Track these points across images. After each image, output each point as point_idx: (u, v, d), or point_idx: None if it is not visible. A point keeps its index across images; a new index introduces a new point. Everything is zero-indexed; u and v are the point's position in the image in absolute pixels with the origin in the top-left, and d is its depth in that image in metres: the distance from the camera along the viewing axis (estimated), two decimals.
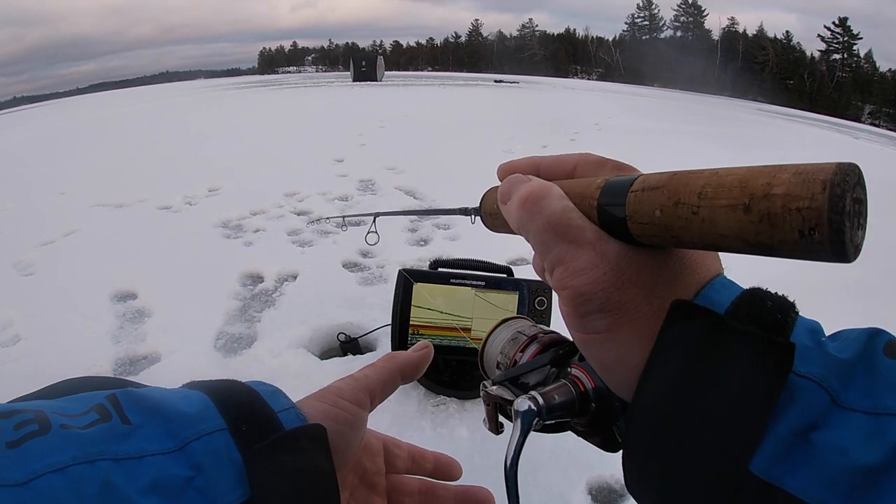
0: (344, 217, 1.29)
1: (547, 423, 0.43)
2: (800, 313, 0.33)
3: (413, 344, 1.71)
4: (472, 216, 0.56)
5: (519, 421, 0.40)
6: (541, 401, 0.41)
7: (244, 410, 0.40)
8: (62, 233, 3.55)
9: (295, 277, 2.87)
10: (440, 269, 1.81)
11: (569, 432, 0.47)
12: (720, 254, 0.38)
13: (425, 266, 1.91)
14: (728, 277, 0.38)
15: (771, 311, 0.32)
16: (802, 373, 0.30)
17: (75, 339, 2.23)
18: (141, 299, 2.60)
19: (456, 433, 1.68)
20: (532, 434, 0.42)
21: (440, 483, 0.55)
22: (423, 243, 3.44)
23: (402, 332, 1.74)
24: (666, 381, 0.33)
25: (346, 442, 0.44)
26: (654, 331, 0.34)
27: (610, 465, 1.56)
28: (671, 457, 0.32)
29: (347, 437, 0.44)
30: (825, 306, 2.75)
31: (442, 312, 1.75)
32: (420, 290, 1.73)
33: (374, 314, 2.34)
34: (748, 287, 0.35)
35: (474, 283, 1.74)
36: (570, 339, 0.43)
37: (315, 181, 4.81)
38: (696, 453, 0.31)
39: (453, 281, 1.73)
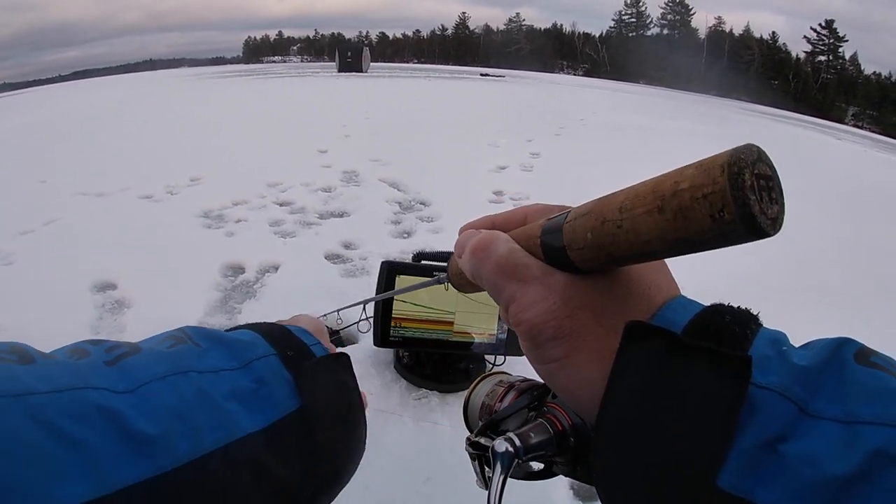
0: (339, 311, 1.29)
1: (531, 470, 0.46)
2: (763, 325, 0.34)
3: (396, 337, 1.72)
4: (445, 283, 0.58)
5: (498, 463, 0.41)
6: (517, 441, 0.42)
7: (286, 342, 0.50)
8: (42, 222, 3.51)
9: (277, 269, 2.85)
10: (423, 262, 1.80)
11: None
12: (693, 271, 0.39)
13: (408, 258, 1.90)
14: (688, 297, 0.39)
15: (729, 325, 0.33)
16: (762, 384, 0.30)
17: (54, 330, 2.20)
18: (121, 290, 2.58)
19: (438, 426, 1.68)
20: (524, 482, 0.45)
21: None
22: (406, 235, 3.44)
23: (384, 324, 1.74)
24: (626, 402, 0.33)
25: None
26: (610, 351, 0.35)
27: None
28: (638, 476, 0.32)
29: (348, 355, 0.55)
30: (803, 309, 2.78)
31: (425, 306, 1.74)
32: (403, 282, 1.72)
33: (356, 307, 2.33)
34: (709, 304, 0.36)
35: None
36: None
37: (298, 172, 4.79)
38: (663, 471, 0.31)
39: (436, 273, 1.73)
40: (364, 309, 1.28)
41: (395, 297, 1.73)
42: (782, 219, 0.27)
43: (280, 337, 0.51)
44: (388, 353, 1.95)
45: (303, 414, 0.46)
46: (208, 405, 0.40)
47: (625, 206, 0.31)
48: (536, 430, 0.43)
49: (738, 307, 0.34)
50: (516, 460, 0.41)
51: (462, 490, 1.40)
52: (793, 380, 0.30)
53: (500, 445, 0.42)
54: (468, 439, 0.49)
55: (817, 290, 3.07)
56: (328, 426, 0.48)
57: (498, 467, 0.41)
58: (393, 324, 1.74)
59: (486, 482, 0.48)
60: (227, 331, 0.50)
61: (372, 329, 1.76)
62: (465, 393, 0.58)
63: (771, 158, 0.28)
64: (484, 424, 0.50)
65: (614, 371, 0.34)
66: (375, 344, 1.77)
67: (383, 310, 1.73)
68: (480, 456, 0.48)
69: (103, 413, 0.34)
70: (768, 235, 0.26)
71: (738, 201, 0.25)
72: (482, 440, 0.47)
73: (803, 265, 3.38)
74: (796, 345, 0.35)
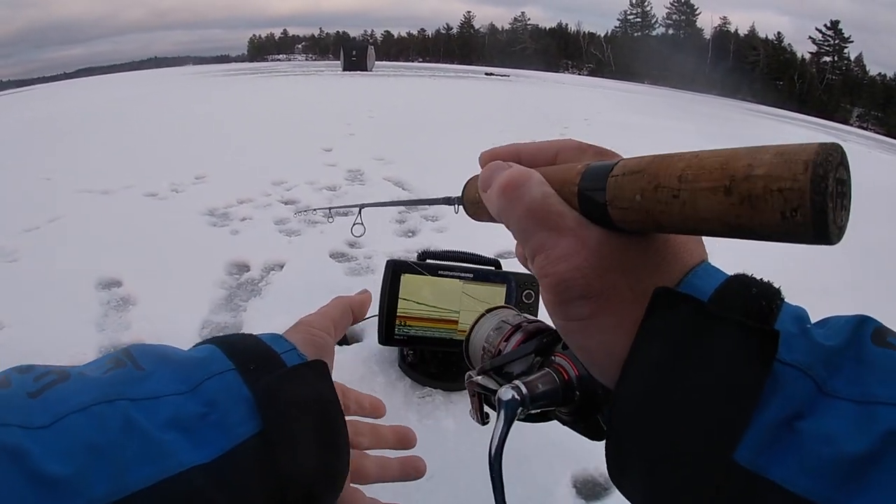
0: (330, 209, 1.29)
1: (532, 412, 0.43)
2: (785, 300, 0.33)
3: (401, 335, 1.71)
4: (456, 205, 0.56)
5: (502, 411, 0.40)
6: (524, 390, 0.41)
7: (249, 353, 0.43)
8: (47, 219, 3.51)
9: (281, 267, 2.85)
10: (428, 261, 1.80)
11: (554, 422, 0.48)
12: (705, 239, 0.38)
13: (413, 257, 1.90)
14: (713, 264, 0.38)
15: (755, 297, 0.32)
16: (787, 361, 0.30)
17: (59, 327, 2.21)
18: (126, 287, 2.58)
19: (442, 425, 1.68)
20: (517, 424, 0.42)
21: (379, 424, 0.61)
22: (410, 234, 3.44)
23: (388, 323, 1.74)
24: (649, 370, 0.33)
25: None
26: (637, 317, 0.34)
27: (595, 459, 1.56)
28: (655, 446, 0.32)
29: (328, 363, 0.48)
30: (808, 307, 2.76)
31: (429, 304, 1.74)
32: (407, 281, 1.72)
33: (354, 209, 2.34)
34: (733, 273, 0.35)
35: (462, 275, 1.74)
36: (554, 328, 0.42)
37: (303, 170, 4.79)
38: (681, 442, 0.31)
39: (441, 273, 1.73)
40: (360, 213, 1.26)
41: (400, 297, 1.72)
42: (846, 228, 0.25)
43: (243, 348, 0.44)
44: (392, 352, 1.95)
45: (264, 438, 0.39)
46: (137, 437, 0.34)
47: (685, 176, 0.29)
48: (543, 380, 0.42)
49: (762, 280, 0.34)
50: (521, 408, 0.41)
51: (466, 488, 1.41)
52: (815, 358, 0.30)
53: (507, 393, 0.41)
54: (469, 376, 0.49)
55: (820, 293, 3.06)
56: (297, 449, 0.41)
57: (502, 414, 0.41)
58: (397, 322, 1.74)
59: (481, 418, 0.49)
60: (190, 348, 0.45)
61: (364, 232, 1.73)
62: (468, 327, 0.56)
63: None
64: (488, 365, 0.49)
65: (639, 337, 0.34)
66: (380, 342, 1.77)
67: (388, 308, 1.73)
68: (480, 393, 0.48)
69: (7, 453, 0.30)
70: (832, 244, 0.25)
71: (815, 206, 0.24)
72: (484, 380, 0.47)
73: (807, 267, 3.37)
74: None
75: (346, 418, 0.53)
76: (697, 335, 0.31)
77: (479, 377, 0.47)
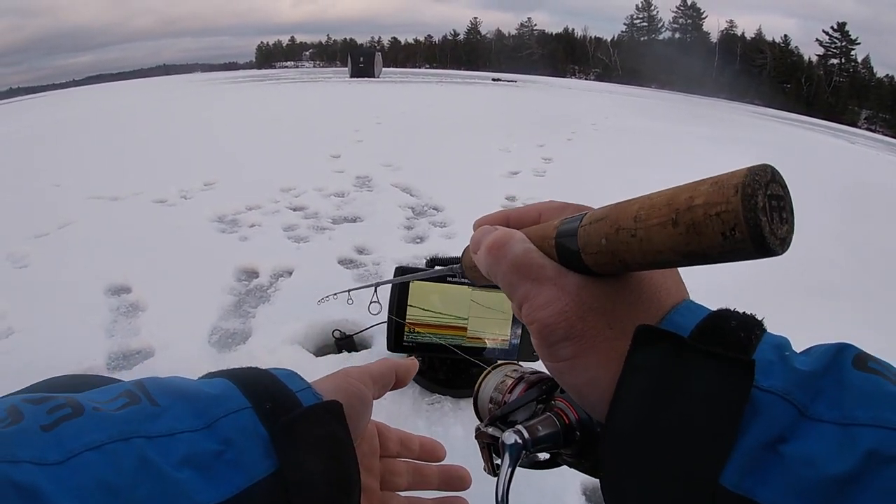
0: (349, 291, 1.29)
1: (538, 459, 0.47)
2: (767, 330, 0.35)
3: (409, 342, 1.71)
4: (459, 274, 0.59)
5: (507, 454, 0.43)
6: (526, 434, 0.43)
7: (265, 391, 0.43)
8: (57, 225, 3.53)
9: (290, 273, 2.85)
10: (437, 267, 1.80)
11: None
12: (697, 271, 0.40)
13: (421, 264, 1.90)
14: (695, 302, 0.40)
15: (734, 330, 0.34)
16: (765, 387, 0.32)
17: (69, 333, 2.22)
18: (135, 293, 2.59)
19: (451, 432, 1.68)
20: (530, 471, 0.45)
21: (425, 464, 0.61)
22: (419, 241, 3.44)
23: (398, 329, 1.74)
24: (634, 403, 0.35)
25: (356, 415, 0.48)
26: (619, 353, 0.36)
27: None
28: (644, 475, 0.33)
29: (357, 410, 0.48)
30: (812, 312, 2.76)
31: (438, 311, 1.74)
32: (416, 287, 1.72)
33: (370, 311, 2.33)
34: (715, 309, 0.37)
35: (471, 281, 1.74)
36: None
37: (311, 177, 4.80)
38: (668, 470, 0.32)
39: (449, 280, 1.73)
40: (375, 291, 1.27)
41: (409, 304, 1.73)
42: (791, 238, 0.28)
43: (258, 385, 0.44)
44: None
45: (279, 478, 0.39)
46: (152, 475, 0.34)
47: (639, 216, 0.32)
48: (544, 424, 0.44)
49: (744, 312, 0.36)
50: (524, 451, 0.43)
51: (473, 495, 1.39)
52: (794, 384, 0.32)
53: (510, 437, 0.43)
54: (477, 428, 0.51)
55: (827, 294, 3.05)
56: (310, 489, 0.41)
57: (507, 458, 0.43)
58: (406, 329, 1.74)
59: (493, 470, 0.50)
60: (201, 377, 0.46)
61: (383, 310, 1.74)
62: (476, 384, 0.58)
63: (783, 177, 0.29)
64: (493, 415, 0.51)
65: (624, 373, 0.35)
66: (389, 349, 1.77)
67: (397, 315, 1.73)
68: (489, 445, 0.49)
69: (20, 492, 0.29)
70: (776, 254, 0.27)
71: (749, 222, 0.26)
72: (491, 430, 0.49)
73: (814, 268, 3.35)
74: (798, 350, 0.36)
75: (383, 459, 0.57)
76: (678, 368, 0.33)
77: (487, 428, 0.50)
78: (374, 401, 0.52)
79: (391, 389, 0.57)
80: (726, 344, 0.33)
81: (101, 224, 3.60)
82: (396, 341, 1.75)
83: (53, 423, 0.33)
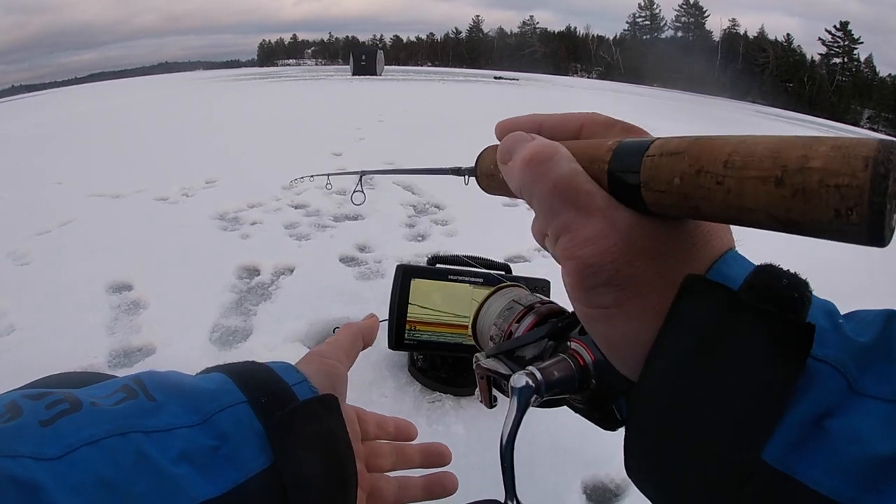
0: (328, 175, 1.24)
1: (543, 399, 0.41)
2: (813, 293, 0.32)
3: (411, 340, 1.71)
4: (466, 176, 0.54)
5: (515, 398, 0.39)
6: (539, 377, 0.39)
7: (261, 385, 0.43)
8: (58, 223, 3.53)
9: (292, 271, 2.85)
10: (438, 266, 1.80)
11: (565, 428, 0.47)
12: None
13: (423, 262, 1.90)
14: (740, 253, 0.36)
15: (787, 289, 0.30)
16: (820, 356, 0.29)
17: (70, 330, 2.22)
18: (136, 291, 2.59)
19: (452, 430, 1.68)
20: (530, 418, 0.40)
21: (405, 444, 0.60)
22: (420, 239, 3.43)
23: (399, 327, 1.74)
24: (676, 361, 0.32)
25: (339, 395, 0.47)
26: (665, 307, 0.33)
27: (606, 465, 1.55)
28: (678, 441, 0.31)
29: (338, 391, 0.47)
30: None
31: (439, 309, 1.74)
32: (418, 285, 1.72)
33: (371, 309, 2.32)
34: (761, 264, 0.33)
35: (472, 279, 1.74)
36: (569, 310, 0.42)
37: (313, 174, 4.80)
38: (707, 438, 0.30)
39: (451, 277, 1.73)
40: (360, 181, 1.22)
41: (410, 302, 1.72)
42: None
43: (254, 379, 0.43)
44: (402, 356, 1.95)
45: (275, 473, 0.39)
46: (150, 471, 0.34)
47: (732, 162, 0.27)
48: (559, 367, 0.40)
49: (790, 271, 0.32)
50: (535, 396, 0.39)
51: (475, 494, 1.39)
52: (847, 354, 0.29)
53: (520, 379, 0.39)
54: (477, 358, 0.47)
55: (831, 295, 3.04)
56: (306, 484, 0.40)
57: (515, 402, 0.39)
58: (408, 327, 1.74)
59: (490, 402, 0.48)
60: (199, 373, 0.45)
61: (387, 325, 1.75)
62: (476, 306, 0.53)
63: None
64: (498, 346, 0.47)
65: (666, 325, 0.33)
66: (390, 347, 1.76)
67: (398, 313, 1.73)
68: (489, 377, 0.46)
69: (18, 486, 0.29)
70: (884, 246, 0.24)
71: (873, 206, 0.22)
72: (493, 363, 0.45)
73: (817, 269, 3.34)
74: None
75: (365, 442, 0.56)
76: (729, 325, 0.30)
77: (489, 360, 0.46)
78: (375, 399, 0.52)
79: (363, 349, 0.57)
80: (780, 303, 0.30)
81: (103, 222, 3.60)
82: (397, 339, 1.74)
83: (52, 419, 0.33)
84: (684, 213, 0.31)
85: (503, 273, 1.80)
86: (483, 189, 0.50)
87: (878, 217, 0.22)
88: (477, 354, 0.47)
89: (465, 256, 1.85)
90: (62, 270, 2.81)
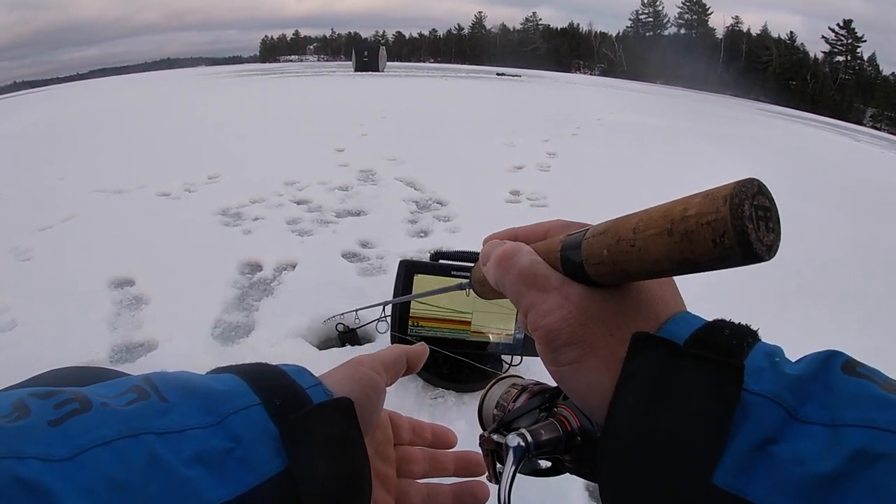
0: (357, 311, 1.28)
1: (540, 467, 0.48)
2: (760, 339, 0.37)
3: (414, 335, 1.71)
4: (467, 289, 0.63)
5: (510, 456, 0.44)
6: (529, 437, 0.44)
7: (275, 387, 0.43)
8: (60, 218, 3.54)
9: (294, 267, 2.86)
10: (441, 261, 1.80)
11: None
12: (706, 278, 0.42)
13: (425, 257, 1.90)
14: (692, 313, 0.42)
15: (727, 338, 0.36)
16: (755, 390, 0.33)
17: (72, 326, 2.22)
18: (138, 286, 2.59)
19: (454, 426, 1.66)
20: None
21: (440, 451, 0.61)
22: (423, 235, 3.44)
23: (401, 323, 1.73)
24: (630, 406, 0.36)
25: (370, 404, 0.48)
26: (619, 359, 0.38)
27: None
28: (640, 477, 0.35)
29: (372, 399, 0.48)
30: (818, 312, 2.76)
31: (442, 306, 1.74)
32: (420, 281, 1.72)
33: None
34: (711, 319, 0.39)
35: None
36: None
37: (315, 170, 4.80)
38: (663, 472, 0.33)
39: (454, 273, 1.72)
40: (384, 309, 1.28)
41: (412, 300, 1.72)
42: (777, 246, 0.30)
43: (268, 381, 0.43)
44: None
45: (289, 476, 0.39)
46: (162, 473, 0.33)
47: (638, 228, 0.35)
48: (547, 429, 0.45)
49: (739, 323, 0.38)
50: (527, 454, 0.44)
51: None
52: (783, 387, 0.33)
53: (513, 440, 0.44)
54: (482, 436, 0.51)
55: (832, 294, 3.04)
56: (320, 488, 0.40)
57: (510, 460, 0.44)
58: (410, 323, 1.73)
59: (495, 477, 0.50)
60: (208, 372, 0.45)
61: (389, 329, 1.75)
62: (480, 395, 0.59)
63: (770, 191, 0.31)
64: (498, 422, 0.53)
65: (621, 378, 0.37)
66: (392, 343, 1.76)
67: (401, 309, 1.72)
68: (493, 452, 0.50)
69: (26, 488, 0.29)
70: (763, 260, 0.30)
71: (736, 229, 0.29)
72: (495, 437, 0.49)
73: (819, 268, 3.35)
74: (792, 359, 0.37)
75: (397, 447, 0.57)
76: (672, 373, 0.35)
77: (492, 435, 0.50)
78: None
79: (403, 375, 0.57)
80: (718, 350, 0.35)
81: (105, 217, 3.61)
82: (400, 336, 1.74)
83: (61, 419, 0.33)
84: (618, 277, 0.38)
85: None
86: (479, 295, 0.60)
87: (743, 236, 0.29)
88: (481, 433, 0.52)
89: (468, 252, 1.85)
90: (64, 266, 2.81)
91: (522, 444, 0.44)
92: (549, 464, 0.49)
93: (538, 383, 0.55)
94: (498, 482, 0.50)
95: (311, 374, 0.46)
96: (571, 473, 0.49)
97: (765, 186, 0.31)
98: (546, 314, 0.41)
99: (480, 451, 0.51)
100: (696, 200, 0.31)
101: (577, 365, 0.40)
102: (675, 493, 0.33)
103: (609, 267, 0.38)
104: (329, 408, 0.43)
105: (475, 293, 0.60)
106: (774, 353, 0.36)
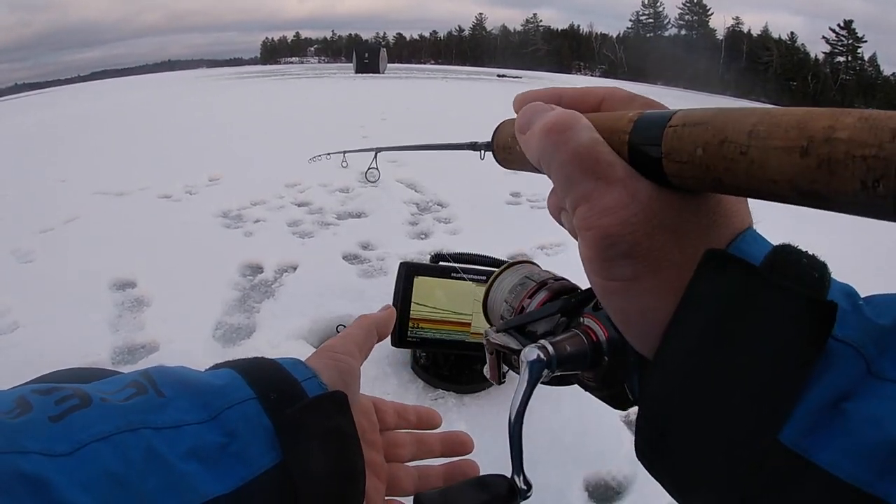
0: (344, 153, 1.24)
1: (554, 375, 0.40)
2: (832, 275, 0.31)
3: (413, 337, 1.71)
4: (482, 151, 0.53)
5: (526, 371, 0.38)
6: (551, 350, 0.38)
7: (270, 381, 0.42)
8: (62, 220, 3.54)
9: (295, 268, 2.86)
10: (441, 263, 1.80)
11: (566, 426, 0.46)
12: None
13: (426, 259, 1.90)
14: (758, 231, 0.36)
15: (807, 268, 0.30)
16: (841, 337, 0.28)
17: (74, 327, 2.22)
18: (140, 288, 2.59)
19: (454, 427, 1.67)
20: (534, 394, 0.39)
21: (426, 432, 0.58)
22: (423, 237, 3.44)
23: (402, 325, 1.74)
24: (694, 337, 0.31)
25: (347, 391, 0.46)
26: (684, 282, 0.32)
27: (608, 462, 1.55)
28: (693, 420, 0.31)
29: (349, 386, 0.46)
30: None
31: (442, 308, 1.74)
32: (421, 283, 1.72)
33: (374, 307, 2.30)
34: (779, 243, 0.32)
35: (475, 277, 1.74)
36: (582, 287, 0.41)
37: (316, 172, 4.79)
38: (723, 419, 0.29)
39: (454, 275, 1.73)
40: (375, 157, 1.22)
41: (413, 301, 1.72)
42: None
43: (263, 375, 0.43)
44: (405, 354, 1.95)
45: (284, 470, 0.39)
46: (159, 468, 0.34)
47: (757, 132, 0.27)
48: (572, 342, 0.39)
49: (808, 252, 0.31)
50: (546, 370, 0.38)
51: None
52: (867, 336, 0.29)
53: (531, 352, 0.38)
54: (487, 332, 0.46)
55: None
56: (315, 481, 0.40)
57: (525, 374, 0.38)
58: (410, 324, 1.74)
59: (499, 378, 0.47)
60: (208, 369, 0.45)
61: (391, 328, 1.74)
62: (488, 282, 0.53)
63: None
64: (509, 321, 0.46)
65: (685, 300, 0.32)
66: (393, 344, 1.77)
67: (400, 311, 1.73)
68: (499, 352, 0.45)
69: (27, 482, 0.29)
70: None
71: None
72: (504, 338, 0.44)
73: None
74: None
75: (384, 432, 0.55)
76: (749, 301, 0.29)
77: (500, 335, 0.45)
78: (378, 396, 0.52)
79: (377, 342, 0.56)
80: (801, 281, 0.29)
81: (107, 219, 3.61)
82: (400, 337, 1.74)
83: (62, 414, 0.33)
84: (707, 186, 0.31)
85: None
86: (500, 163, 0.49)
87: None
88: (487, 329, 0.47)
89: (469, 254, 1.85)
90: (66, 267, 2.81)
91: (543, 357, 0.38)
92: (560, 373, 0.41)
93: (558, 278, 0.49)
94: (500, 383, 0.46)
95: (306, 367, 0.45)
96: (585, 390, 0.44)
97: None
98: (605, 212, 0.33)
99: (485, 349, 0.47)
100: (848, 121, 0.24)
101: (632, 282, 0.34)
102: (732, 445, 0.29)
103: (699, 171, 0.30)
104: (324, 401, 0.43)
105: (494, 159, 0.50)
106: (853, 293, 0.32)
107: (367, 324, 0.55)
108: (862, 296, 0.33)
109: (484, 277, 1.73)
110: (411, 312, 1.73)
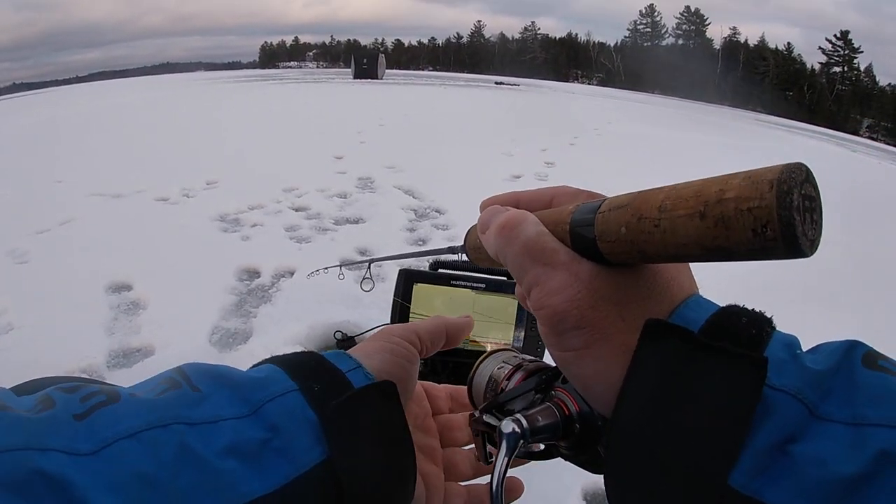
0: (341, 266, 1.29)
1: (533, 450, 0.44)
2: (776, 328, 0.34)
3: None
4: (459, 253, 0.57)
5: (504, 443, 0.40)
6: (524, 423, 0.41)
7: (312, 372, 0.40)
8: (58, 221, 3.54)
9: (292, 274, 2.85)
10: (440, 270, 1.80)
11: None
12: (694, 274, 0.40)
13: (425, 266, 1.90)
14: (704, 297, 0.38)
15: (745, 326, 0.33)
16: (777, 386, 0.30)
17: (69, 330, 2.21)
18: (136, 291, 2.59)
19: None
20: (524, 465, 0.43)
21: None
22: (421, 243, 3.44)
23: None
24: (642, 399, 0.34)
25: (405, 375, 0.45)
26: (630, 346, 0.35)
27: None
28: (650, 473, 0.32)
29: (406, 370, 0.46)
30: (812, 320, 2.75)
31: (440, 315, 1.73)
32: (420, 290, 1.72)
33: (372, 313, 2.33)
34: (724, 305, 0.35)
35: (474, 285, 1.73)
36: (554, 364, 0.43)
37: (314, 177, 4.80)
38: (675, 469, 0.31)
39: (453, 282, 1.72)
40: (368, 268, 1.25)
41: (412, 310, 1.72)
42: (819, 241, 0.27)
43: (305, 366, 0.40)
44: None
45: (330, 467, 0.36)
46: (193, 465, 0.32)
47: (665, 206, 0.30)
48: (544, 414, 0.42)
49: (753, 309, 0.34)
50: (521, 441, 0.40)
51: None
52: (805, 383, 0.30)
53: (507, 426, 0.40)
54: (472, 415, 0.48)
55: (827, 302, 3.04)
56: (363, 478, 0.38)
57: (504, 447, 0.40)
58: None
59: (485, 458, 0.48)
60: (252, 367, 0.42)
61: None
62: (471, 371, 0.54)
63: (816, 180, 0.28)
64: (490, 402, 0.49)
65: (633, 366, 0.34)
66: None
67: (399, 319, 1.72)
68: (483, 433, 0.47)
69: (47, 482, 0.27)
70: (805, 256, 0.26)
71: (783, 220, 0.25)
72: (487, 418, 0.47)
73: (815, 277, 3.35)
74: (805, 348, 0.35)
75: (437, 416, 0.55)
76: (688, 364, 0.32)
77: (483, 416, 0.47)
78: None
79: (443, 349, 0.53)
80: (738, 340, 0.32)
81: (103, 221, 3.61)
82: None
83: (87, 412, 0.31)
84: (635, 258, 0.34)
85: (505, 279, 1.80)
86: (472, 262, 0.54)
87: (789, 229, 0.25)
88: (472, 412, 0.49)
89: (468, 261, 1.84)
90: (61, 269, 2.81)
91: (517, 430, 0.40)
92: (542, 447, 0.45)
93: (534, 360, 0.52)
94: (488, 463, 0.48)
95: (351, 357, 0.43)
96: (566, 460, 0.46)
97: (812, 174, 0.27)
98: (552, 293, 0.37)
99: (471, 433, 0.48)
100: (735, 182, 0.27)
101: (584, 351, 0.36)
102: (687, 493, 0.31)
103: (626, 246, 0.33)
104: (372, 392, 0.41)
105: (468, 258, 0.55)
106: (793, 344, 0.34)
107: (439, 321, 0.54)
108: (816, 342, 0.36)
109: (483, 285, 1.73)
110: (410, 319, 1.73)
